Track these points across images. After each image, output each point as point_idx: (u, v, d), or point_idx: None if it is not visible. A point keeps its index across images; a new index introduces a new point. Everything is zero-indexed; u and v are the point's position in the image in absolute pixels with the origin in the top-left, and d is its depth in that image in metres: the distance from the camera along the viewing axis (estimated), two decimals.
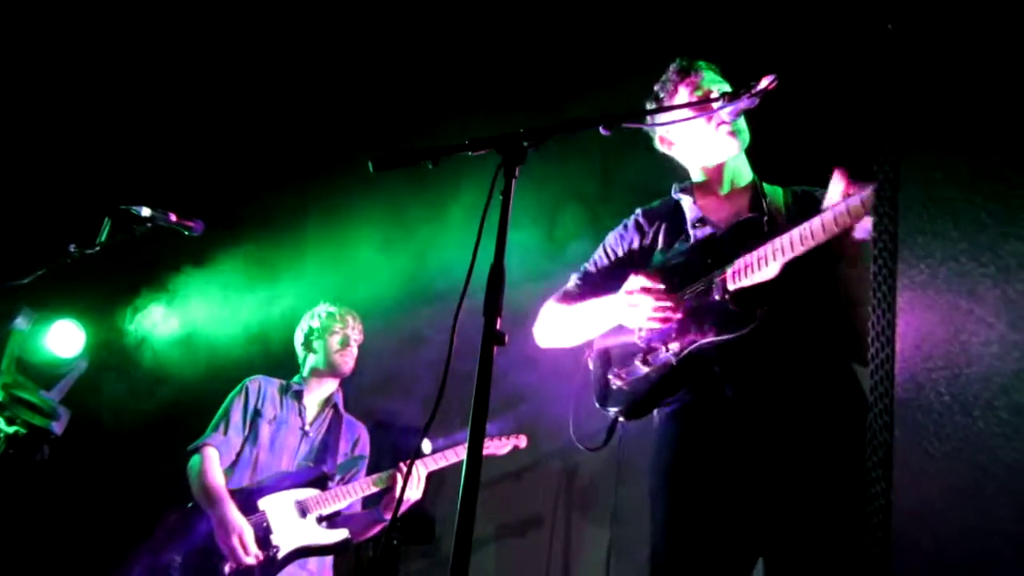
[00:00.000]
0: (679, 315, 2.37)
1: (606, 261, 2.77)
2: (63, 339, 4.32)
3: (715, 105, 2.44)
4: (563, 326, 2.70)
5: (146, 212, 3.43)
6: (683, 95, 2.62)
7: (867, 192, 2.09)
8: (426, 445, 4.00)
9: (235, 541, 3.54)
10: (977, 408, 0.75)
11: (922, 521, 0.84)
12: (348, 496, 3.76)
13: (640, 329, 2.49)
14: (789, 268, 2.24)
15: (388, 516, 3.72)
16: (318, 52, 4.83)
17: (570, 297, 2.74)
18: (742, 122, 2.62)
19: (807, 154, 2.67)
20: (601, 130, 2.10)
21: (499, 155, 2.00)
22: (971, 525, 0.74)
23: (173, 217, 3.50)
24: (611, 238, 2.80)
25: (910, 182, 0.81)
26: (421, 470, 3.74)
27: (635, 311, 2.39)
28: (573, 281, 2.80)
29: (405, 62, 4.73)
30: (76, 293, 4.38)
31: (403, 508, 3.71)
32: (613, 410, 2.51)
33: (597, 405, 2.56)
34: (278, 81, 4.94)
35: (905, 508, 0.84)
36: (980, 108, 0.75)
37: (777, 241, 2.25)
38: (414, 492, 3.70)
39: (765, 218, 2.43)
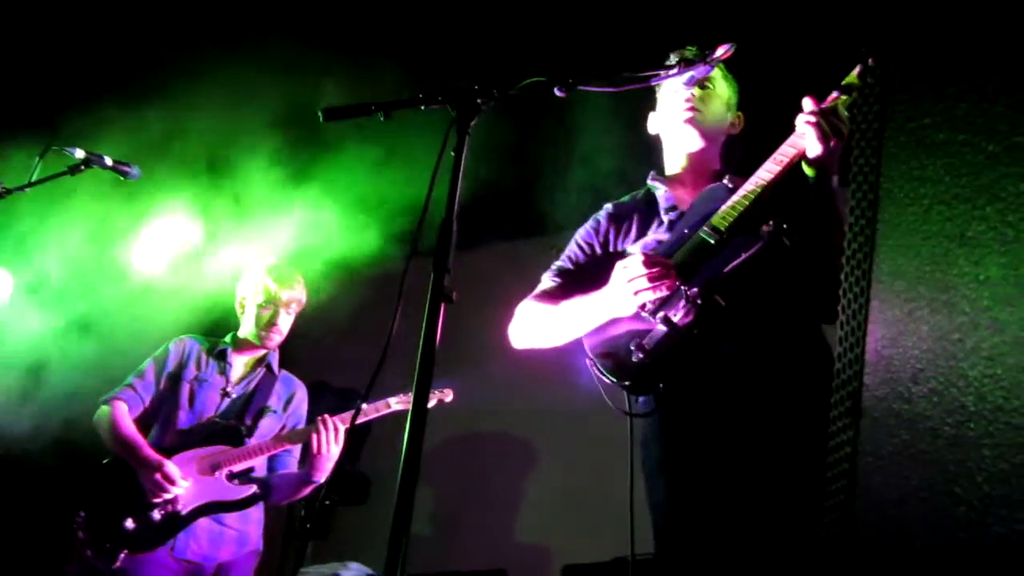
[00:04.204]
0: (674, 277, 2.30)
1: (583, 256, 2.70)
2: None
3: (672, 72, 2.43)
4: (546, 326, 2.59)
5: (80, 154, 3.32)
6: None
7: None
8: None
9: (158, 477, 3.49)
10: (963, 351, 0.75)
11: (894, 468, 0.84)
12: (261, 452, 3.70)
13: (646, 310, 2.36)
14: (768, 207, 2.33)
15: (316, 477, 3.66)
16: None
17: (551, 296, 2.64)
18: (711, 103, 2.61)
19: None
20: (556, 91, 2.08)
21: (452, 111, 1.98)
22: (952, 471, 0.75)
23: (108, 161, 3.40)
24: (584, 233, 2.74)
25: (895, 125, 0.81)
26: (339, 426, 3.68)
27: (632, 286, 2.28)
28: (549, 280, 2.72)
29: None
30: (3, 235, 4.20)
31: (326, 463, 3.63)
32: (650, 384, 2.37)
33: (628, 384, 2.38)
34: None
35: (875, 455, 0.85)
36: (972, 46, 0.75)
37: (752, 179, 2.34)
38: (334, 448, 3.63)
39: (726, 178, 2.46)
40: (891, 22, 0.84)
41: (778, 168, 2.34)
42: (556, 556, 5.12)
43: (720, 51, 2.29)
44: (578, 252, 2.72)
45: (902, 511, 0.83)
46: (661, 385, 2.32)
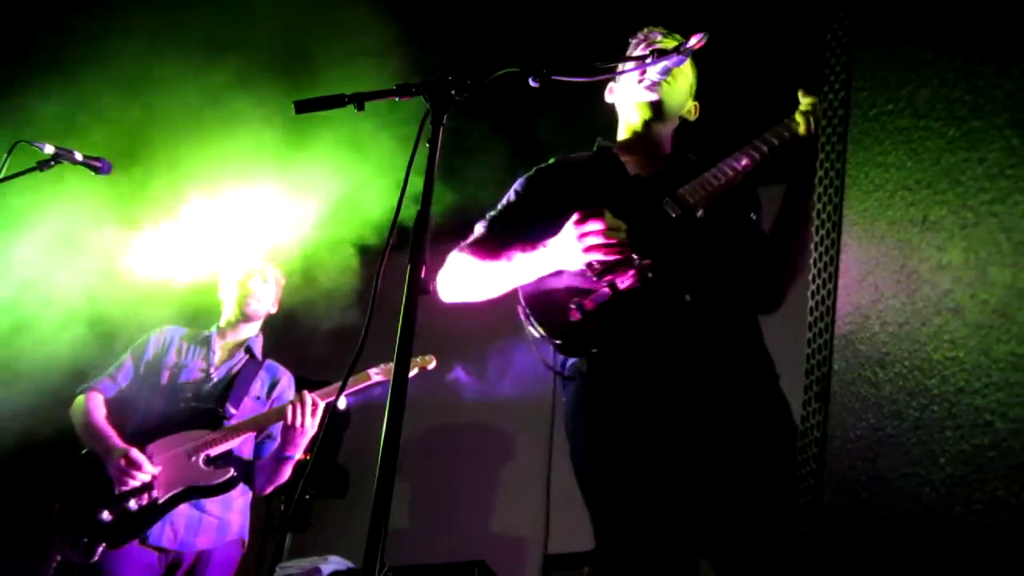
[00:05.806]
0: (628, 243, 2.23)
1: (522, 208, 2.59)
2: None
3: (646, 62, 2.44)
4: (482, 278, 2.48)
5: (50, 149, 3.29)
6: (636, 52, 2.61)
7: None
8: (341, 401, 3.96)
9: (123, 463, 3.45)
10: (926, 335, 0.76)
11: (862, 451, 0.86)
12: (238, 433, 3.64)
13: (592, 269, 2.28)
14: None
15: (289, 451, 3.58)
16: None
17: (487, 246, 2.51)
18: (677, 87, 2.62)
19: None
20: (531, 82, 2.08)
21: (427, 103, 1.98)
22: (916, 453, 0.76)
23: (79, 156, 3.37)
24: (524, 185, 2.64)
25: (859, 112, 0.82)
26: (318, 401, 3.63)
27: (585, 241, 2.20)
28: (484, 229, 2.60)
29: None
30: None
31: (300, 438, 3.57)
32: (585, 349, 2.31)
33: (559, 343, 2.31)
34: None
35: (843, 438, 0.86)
36: (937, 29, 0.77)
37: (728, 161, 2.33)
38: (310, 422, 3.59)
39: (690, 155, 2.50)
40: (856, 9, 0.85)
41: (757, 156, 2.30)
42: (535, 546, 5.14)
43: (693, 40, 2.29)
44: (517, 203, 2.62)
45: (869, 494, 0.84)
46: (594, 350, 2.26)
